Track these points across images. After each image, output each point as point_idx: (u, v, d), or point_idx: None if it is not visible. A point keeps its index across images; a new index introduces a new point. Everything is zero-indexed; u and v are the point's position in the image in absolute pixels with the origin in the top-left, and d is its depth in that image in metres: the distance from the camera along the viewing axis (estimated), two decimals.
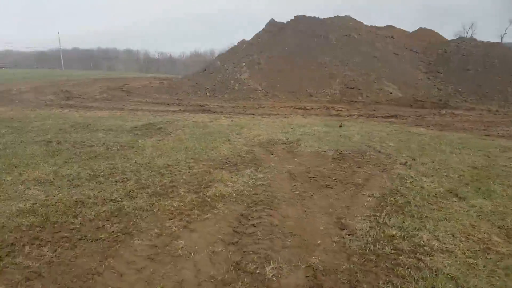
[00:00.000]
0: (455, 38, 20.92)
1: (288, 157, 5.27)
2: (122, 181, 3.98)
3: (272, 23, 20.66)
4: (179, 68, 54.52)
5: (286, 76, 15.59)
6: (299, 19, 20.08)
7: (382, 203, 3.53)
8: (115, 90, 16.55)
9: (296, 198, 3.70)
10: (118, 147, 5.49)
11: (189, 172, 4.38)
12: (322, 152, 5.51)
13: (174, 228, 2.98)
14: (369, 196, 3.73)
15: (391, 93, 14.87)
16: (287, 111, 10.86)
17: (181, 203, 3.45)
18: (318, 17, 20.45)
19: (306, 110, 11.14)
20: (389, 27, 20.95)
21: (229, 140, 6.12)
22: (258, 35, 20.03)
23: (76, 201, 3.43)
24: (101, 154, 5.06)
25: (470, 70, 16.48)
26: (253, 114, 9.93)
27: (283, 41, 18.11)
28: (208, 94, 15.18)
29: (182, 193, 3.71)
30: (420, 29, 20.67)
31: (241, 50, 18.72)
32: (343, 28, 19.10)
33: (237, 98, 14.03)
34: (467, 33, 32.97)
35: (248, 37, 21.14)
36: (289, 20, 20.22)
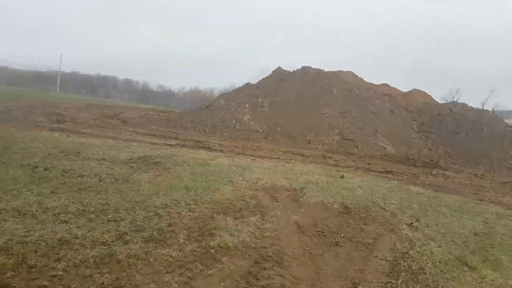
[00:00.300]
0: (446, 102, 22.16)
1: (293, 206, 5.01)
2: (114, 220, 3.55)
3: (279, 71, 21.64)
4: (177, 102, 54.97)
5: (287, 121, 15.86)
6: (305, 69, 21.10)
7: (395, 268, 3.40)
8: (110, 118, 16.25)
9: (306, 256, 3.50)
10: (112, 180, 5.06)
11: (189, 215, 4.00)
12: (327, 204, 5.30)
13: (174, 284, 2.57)
14: (381, 258, 3.59)
15: (385, 148, 15.18)
16: (286, 155, 10.76)
17: (181, 253, 3.06)
18: (323, 69, 21.59)
19: (305, 156, 11.08)
20: (385, 85, 22.22)
21: (231, 181, 5.81)
22: (264, 80, 20.76)
23: (60, 240, 2.97)
24: (92, 187, 4.63)
25: (460, 133, 17.20)
26: (253, 156, 9.76)
27: (288, 88, 18.76)
28: (207, 130, 15.13)
29: (182, 241, 3.32)
30: (414, 89, 21.99)
31: (245, 92, 19.19)
32: (345, 82, 20.12)
33: (236, 138, 13.98)
34: (453, 98, 35.54)
35: (249, 80, 21.75)
36: (295, 69, 21.24)
